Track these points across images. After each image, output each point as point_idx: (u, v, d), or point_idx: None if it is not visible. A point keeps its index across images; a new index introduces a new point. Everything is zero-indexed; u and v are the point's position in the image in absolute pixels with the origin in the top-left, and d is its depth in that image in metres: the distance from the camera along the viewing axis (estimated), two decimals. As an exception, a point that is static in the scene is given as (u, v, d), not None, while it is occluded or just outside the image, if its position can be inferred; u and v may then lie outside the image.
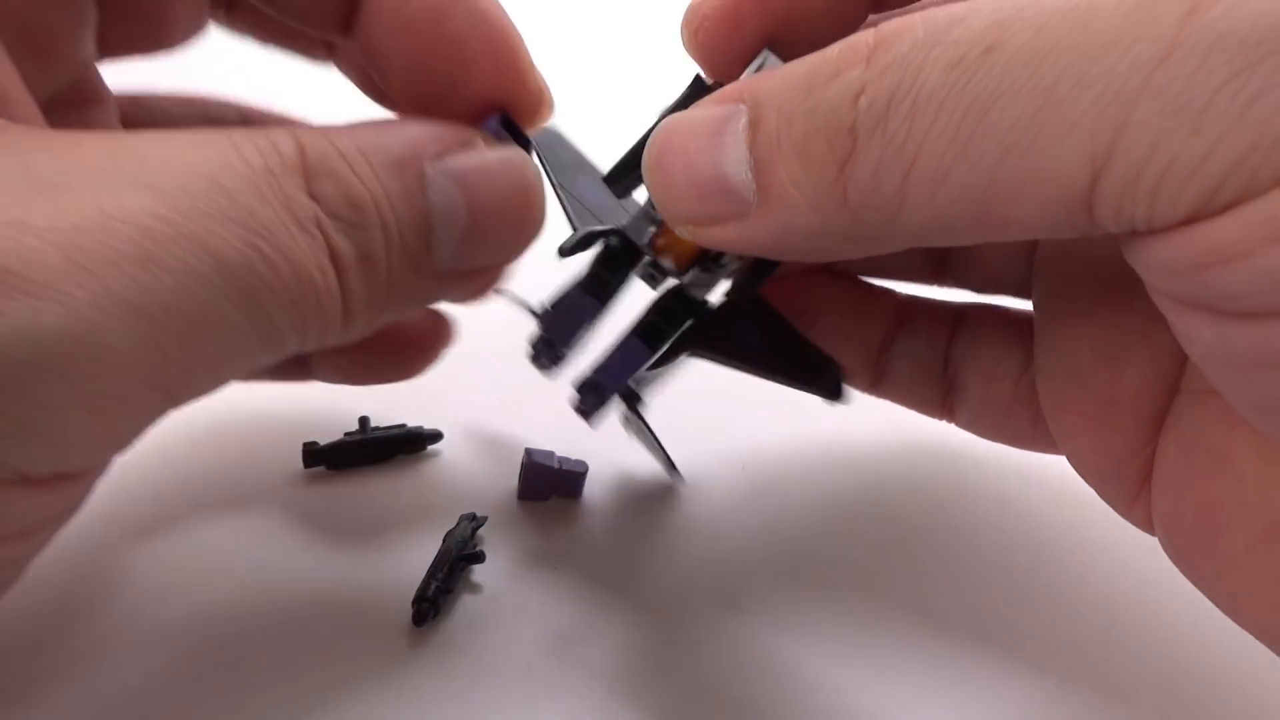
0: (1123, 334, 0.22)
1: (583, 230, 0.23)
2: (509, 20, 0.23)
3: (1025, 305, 0.26)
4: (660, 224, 0.23)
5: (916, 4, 0.21)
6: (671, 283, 0.24)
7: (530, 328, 0.24)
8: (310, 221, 0.18)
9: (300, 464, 0.29)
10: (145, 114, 0.26)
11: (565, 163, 0.24)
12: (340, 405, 0.31)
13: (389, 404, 0.31)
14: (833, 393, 0.24)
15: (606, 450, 0.31)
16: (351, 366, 0.29)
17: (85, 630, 0.24)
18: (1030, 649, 0.26)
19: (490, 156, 0.22)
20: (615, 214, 0.24)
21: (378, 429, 0.30)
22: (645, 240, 0.23)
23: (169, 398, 0.18)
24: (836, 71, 0.17)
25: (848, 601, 0.27)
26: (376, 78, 0.24)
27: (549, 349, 0.24)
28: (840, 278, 0.28)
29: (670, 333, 0.24)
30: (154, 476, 0.28)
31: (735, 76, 0.21)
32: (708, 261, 0.23)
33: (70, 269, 0.15)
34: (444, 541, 0.27)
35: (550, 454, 0.29)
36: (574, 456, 0.29)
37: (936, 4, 0.17)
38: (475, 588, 0.26)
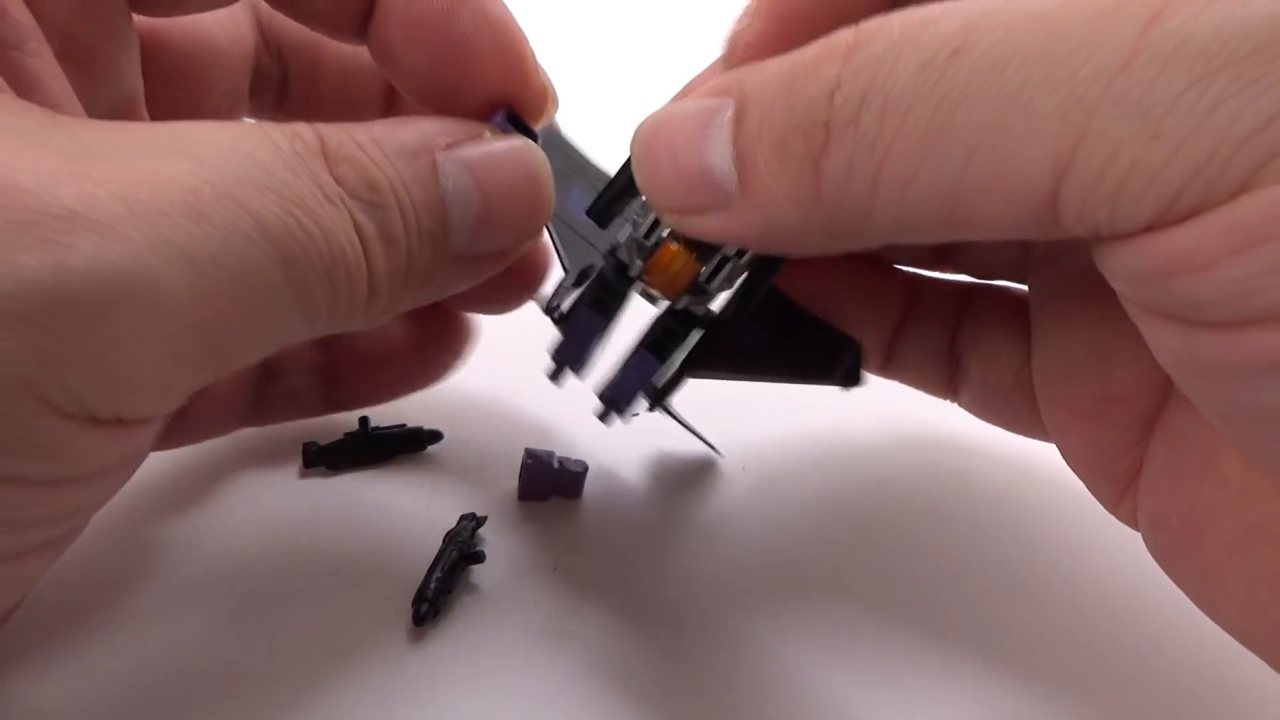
0: (1115, 334, 0.22)
1: (574, 271, 0.24)
2: (515, 20, 0.23)
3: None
4: (648, 255, 0.23)
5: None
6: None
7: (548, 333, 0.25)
8: (336, 197, 0.19)
9: (300, 464, 0.29)
10: None
11: (559, 170, 0.24)
12: (340, 405, 0.31)
13: (389, 404, 0.31)
14: (848, 379, 0.24)
15: (606, 450, 0.31)
16: (375, 384, 0.30)
17: (85, 626, 0.24)
18: (1031, 647, 0.26)
19: (499, 145, 0.23)
20: (605, 235, 0.25)
21: (378, 429, 0.30)
22: (633, 273, 0.23)
23: (216, 355, 0.19)
24: (816, 68, 0.17)
25: (848, 601, 0.27)
26: (390, 78, 0.25)
27: (565, 367, 0.25)
28: (854, 258, 0.28)
29: (677, 345, 0.25)
30: (154, 478, 0.28)
31: None
32: (698, 288, 0.23)
33: (128, 215, 0.16)
34: (444, 541, 0.27)
35: (550, 454, 0.29)
36: (574, 456, 0.29)
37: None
38: (475, 588, 0.26)
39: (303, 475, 0.29)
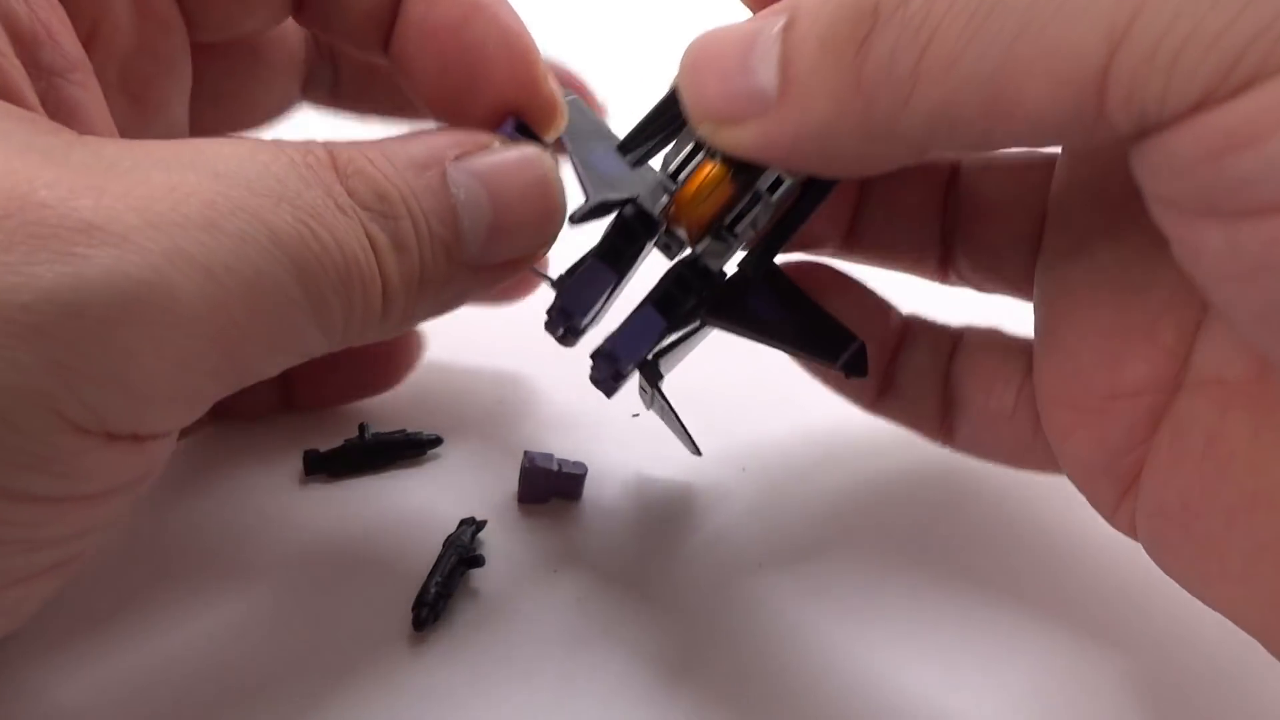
0: (1128, 329, 0.22)
1: (596, 198, 0.23)
2: (526, 31, 0.24)
3: (1020, 330, 0.26)
4: (674, 193, 0.23)
5: None
6: (687, 253, 0.24)
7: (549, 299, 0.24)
8: (349, 208, 0.20)
9: (301, 471, 0.30)
10: None
11: (583, 131, 0.24)
12: (340, 412, 0.31)
13: (388, 410, 0.31)
14: (854, 366, 0.24)
15: (606, 452, 0.31)
16: (329, 387, 0.31)
17: (83, 632, 0.24)
18: (1033, 647, 0.26)
19: (509, 154, 0.23)
20: (630, 183, 0.24)
21: (377, 435, 0.30)
22: (659, 209, 0.23)
23: (233, 366, 0.19)
24: None
25: (850, 600, 0.27)
26: (405, 88, 0.26)
27: (565, 318, 0.24)
28: (853, 288, 0.28)
29: (686, 302, 0.24)
30: (154, 485, 0.28)
31: None
32: (720, 229, 0.23)
33: (144, 227, 0.17)
34: (444, 546, 0.27)
35: (550, 456, 0.29)
36: (573, 459, 0.29)
37: None
38: (475, 592, 0.26)
39: (303, 482, 0.30)
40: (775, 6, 0.20)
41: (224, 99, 0.26)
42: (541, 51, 0.25)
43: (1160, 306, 0.22)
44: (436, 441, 0.31)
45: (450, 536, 0.27)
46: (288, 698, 0.23)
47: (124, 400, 0.17)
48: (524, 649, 0.25)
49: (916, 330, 0.28)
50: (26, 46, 0.19)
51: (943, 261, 0.28)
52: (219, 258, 0.17)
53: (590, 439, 0.30)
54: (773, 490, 0.30)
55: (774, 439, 0.32)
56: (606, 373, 0.24)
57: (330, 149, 0.20)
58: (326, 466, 0.30)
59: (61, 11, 0.21)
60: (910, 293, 0.29)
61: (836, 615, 0.26)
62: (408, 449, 0.30)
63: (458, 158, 0.22)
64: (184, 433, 0.28)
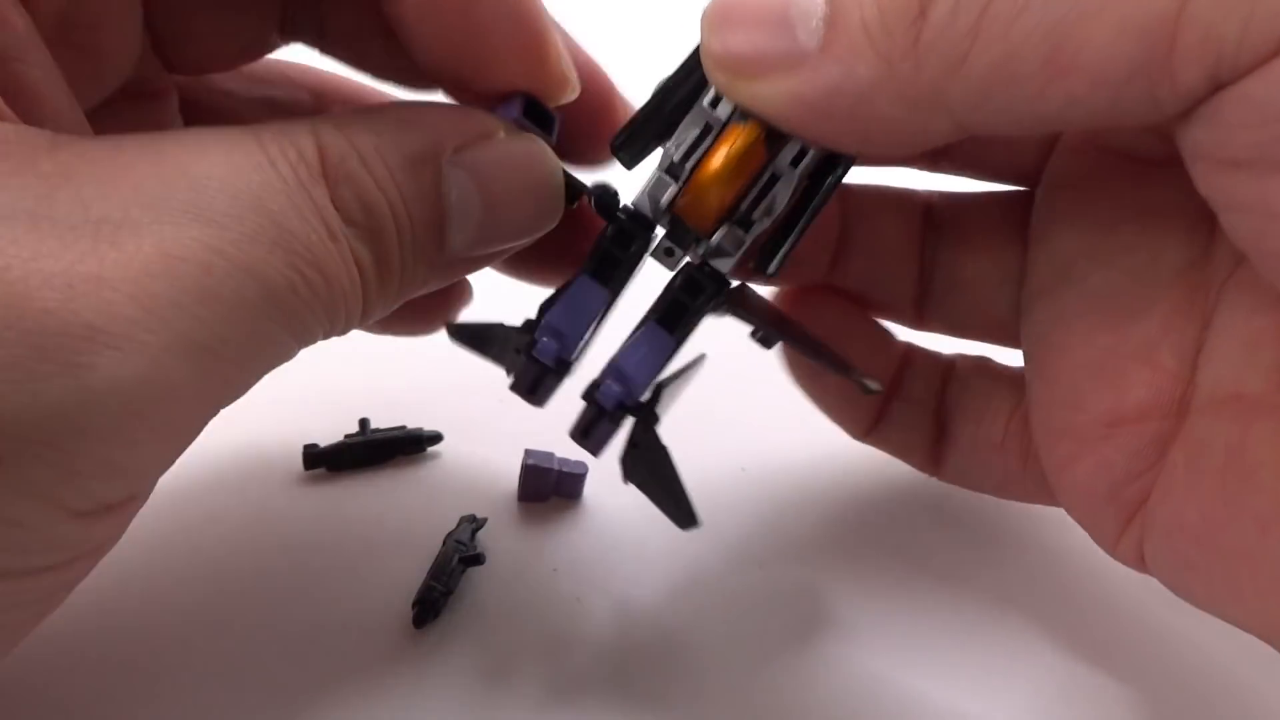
0: (1123, 358, 0.22)
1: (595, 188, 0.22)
2: (539, 6, 0.22)
3: (1008, 358, 0.27)
4: (683, 183, 0.21)
5: None
6: (686, 262, 0.22)
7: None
8: (339, 232, 0.19)
9: (300, 466, 0.29)
10: (207, 96, 0.26)
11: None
12: (340, 407, 0.31)
13: (389, 405, 0.31)
14: (862, 385, 0.23)
15: (606, 452, 0.30)
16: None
17: (79, 627, 0.24)
18: (1033, 647, 0.26)
19: (511, 149, 0.22)
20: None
21: (378, 431, 0.30)
22: (664, 203, 0.21)
23: (218, 410, 0.19)
24: None
25: (849, 601, 0.27)
26: (408, 56, 0.24)
27: (557, 338, 0.21)
28: (854, 316, 0.28)
29: (697, 309, 0.22)
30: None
31: None
32: (737, 217, 0.21)
33: (143, 318, 0.16)
34: (444, 543, 0.27)
35: (550, 455, 0.29)
36: (573, 458, 0.29)
37: None
38: (475, 590, 0.26)
39: (303, 478, 0.29)
40: None
41: (181, 40, 0.24)
42: (557, 25, 0.23)
43: (1157, 329, 0.21)
44: (437, 438, 0.31)
45: (450, 533, 0.27)
46: (286, 693, 0.23)
47: (124, 481, 0.18)
48: (523, 647, 0.25)
49: (914, 359, 0.28)
50: None
51: (918, 303, 0.27)
52: (216, 332, 0.17)
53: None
54: (773, 490, 0.30)
55: (774, 440, 0.32)
56: (610, 400, 0.22)
57: (321, 144, 0.19)
58: (326, 462, 0.30)
59: None
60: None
61: (837, 615, 0.27)
62: (408, 445, 0.30)
63: (457, 150, 0.21)
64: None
